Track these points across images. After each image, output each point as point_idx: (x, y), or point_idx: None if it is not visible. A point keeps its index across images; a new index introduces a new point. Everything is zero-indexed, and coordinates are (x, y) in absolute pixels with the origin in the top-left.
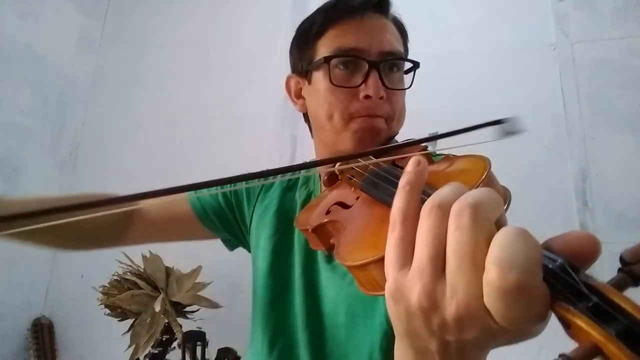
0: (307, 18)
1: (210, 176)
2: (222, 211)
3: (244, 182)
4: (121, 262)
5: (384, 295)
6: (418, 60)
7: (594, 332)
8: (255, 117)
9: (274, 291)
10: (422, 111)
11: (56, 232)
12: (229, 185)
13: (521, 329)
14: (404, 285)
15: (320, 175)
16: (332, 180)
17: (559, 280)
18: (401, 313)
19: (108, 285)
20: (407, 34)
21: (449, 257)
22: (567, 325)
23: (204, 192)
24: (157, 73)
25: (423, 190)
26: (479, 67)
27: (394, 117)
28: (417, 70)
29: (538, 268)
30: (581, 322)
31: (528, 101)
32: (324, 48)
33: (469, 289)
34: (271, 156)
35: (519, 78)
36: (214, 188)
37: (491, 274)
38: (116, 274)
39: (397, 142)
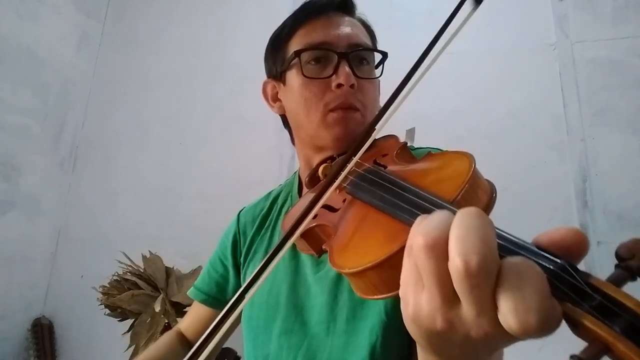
0: (279, 25)
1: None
2: (225, 282)
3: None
4: (121, 262)
5: (383, 298)
6: (386, 51)
7: (602, 332)
8: (255, 117)
9: (263, 317)
10: (422, 111)
11: None
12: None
13: (539, 334)
14: (425, 312)
15: (299, 178)
16: (313, 182)
17: (562, 281)
18: (423, 333)
19: (108, 285)
20: (374, 34)
21: (465, 305)
22: (573, 325)
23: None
24: (157, 73)
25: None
26: (479, 67)
27: (368, 107)
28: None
29: (549, 299)
30: (588, 322)
31: (528, 101)
32: (294, 47)
33: (492, 322)
34: (271, 156)
35: (519, 78)
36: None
37: (511, 323)
38: (116, 274)
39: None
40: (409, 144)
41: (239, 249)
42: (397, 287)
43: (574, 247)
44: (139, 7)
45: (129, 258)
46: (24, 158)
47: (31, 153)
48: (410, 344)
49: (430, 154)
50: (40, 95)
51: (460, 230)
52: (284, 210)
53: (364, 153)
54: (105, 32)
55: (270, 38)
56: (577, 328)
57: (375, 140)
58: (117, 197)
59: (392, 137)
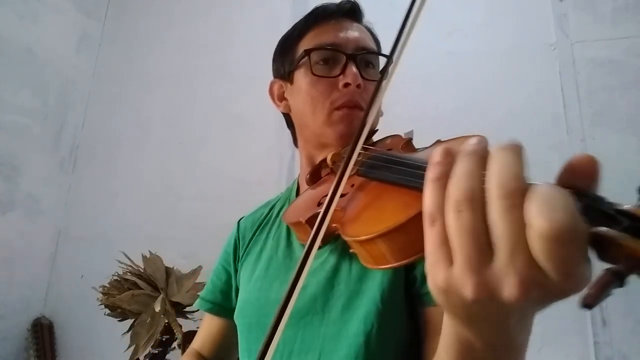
0: (289, 29)
1: (210, 176)
2: (229, 289)
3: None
4: (121, 262)
5: (389, 268)
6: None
7: (634, 245)
8: (255, 117)
9: (255, 313)
10: (421, 110)
11: None
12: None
13: (575, 278)
14: (456, 283)
15: (297, 184)
16: (315, 177)
17: (592, 210)
18: (457, 305)
19: (108, 285)
20: (379, 42)
21: (497, 233)
22: (605, 248)
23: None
24: (157, 73)
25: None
26: (479, 67)
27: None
28: (416, 70)
29: (574, 207)
30: (621, 240)
31: (528, 101)
32: (304, 47)
33: (523, 264)
34: (271, 156)
35: (519, 78)
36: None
37: (538, 226)
38: (116, 274)
39: (372, 140)
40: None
41: (238, 253)
42: (410, 254)
43: (591, 172)
44: (139, 7)
45: (129, 258)
46: (24, 158)
47: (31, 153)
48: (413, 329)
49: (439, 140)
50: (40, 95)
51: (500, 165)
52: (281, 213)
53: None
54: (105, 32)
55: (280, 40)
56: (610, 249)
57: (379, 140)
58: (117, 197)
59: (396, 136)
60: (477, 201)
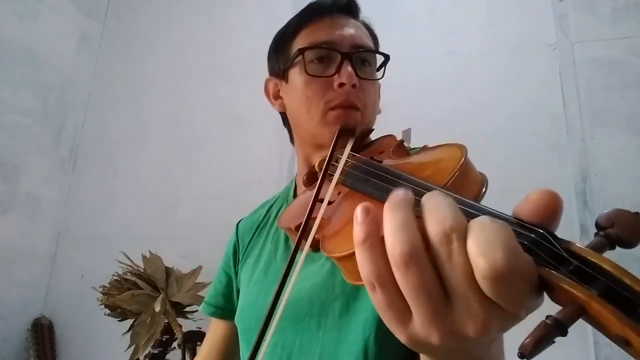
0: (284, 25)
1: (210, 176)
2: (229, 292)
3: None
4: (121, 262)
5: None
6: (388, 54)
7: (578, 292)
8: (255, 117)
9: (254, 317)
10: (422, 110)
11: None
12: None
13: (530, 308)
14: (421, 335)
15: (295, 183)
16: (311, 179)
17: (541, 248)
18: (428, 350)
19: (108, 285)
20: (377, 37)
21: (449, 279)
22: (550, 290)
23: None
24: (157, 73)
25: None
26: (479, 67)
27: (368, 107)
28: (416, 70)
29: (514, 240)
30: (565, 284)
31: (528, 101)
32: (298, 45)
33: (480, 305)
34: (271, 156)
35: (519, 78)
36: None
37: (480, 268)
38: (116, 274)
39: (370, 138)
40: (405, 144)
41: (237, 256)
42: None
43: (547, 209)
44: (138, 7)
45: (129, 258)
46: (24, 158)
47: (31, 153)
48: None
49: (425, 147)
50: (40, 95)
51: (426, 206)
52: (279, 215)
53: (361, 151)
54: (105, 32)
55: (275, 37)
56: (554, 292)
57: (375, 140)
58: (117, 197)
59: (389, 136)
60: (420, 252)
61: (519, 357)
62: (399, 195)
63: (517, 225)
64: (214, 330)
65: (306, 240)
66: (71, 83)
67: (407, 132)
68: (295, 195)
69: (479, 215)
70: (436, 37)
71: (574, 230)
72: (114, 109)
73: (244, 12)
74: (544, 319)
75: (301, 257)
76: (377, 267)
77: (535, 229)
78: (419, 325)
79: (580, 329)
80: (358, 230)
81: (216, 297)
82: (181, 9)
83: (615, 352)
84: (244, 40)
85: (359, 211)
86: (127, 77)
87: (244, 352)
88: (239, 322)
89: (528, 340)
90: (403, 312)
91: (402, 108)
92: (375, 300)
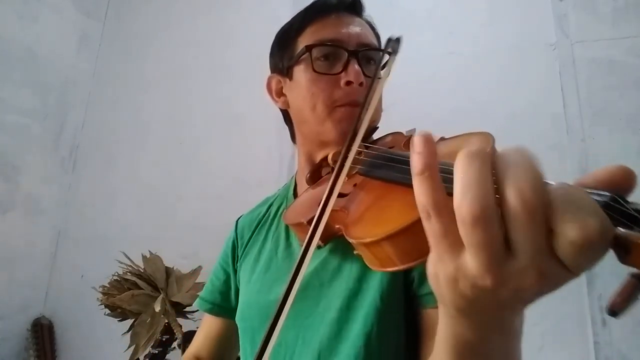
0: (287, 22)
1: (210, 176)
2: (227, 289)
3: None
4: (121, 262)
5: (396, 270)
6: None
7: None
8: (255, 117)
9: (257, 316)
10: (422, 110)
11: None
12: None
13: (587, 270)
14: (470, 274)
15: (295, 182)
16: (314, 177)
17: (613, 210)
18: (468, 295)
19: (108, 285)
20: (379, 36)
21: (518, 242)
22: (626, 250)
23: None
24: (157, 73)
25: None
26: (480, 67)
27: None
28: (416, 70)
29: (599, 206)
30: None
31: (528, 101)
32: (304, 42)
33: (545, 262)
34: (271, 156)
35: (519, 78)
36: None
37: (570, 235)
38: (116, 274)
39: (372, 137)
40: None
41: (236, 253)
42: (414, 257)
43: (622, 182)
44: (138, 7)
45: (129, 258)
46: (24, 158)
47: (31, 153)
48: (410, 332)
49: (443, 138)
50: (40, 95)
51: (508, 166)
52: (279, 212)
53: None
54: (105, 32)
55: (278, 33)
56: (632, 252)
57: (379, 138)
58: (117, 197)
59: (397, 133)
60: (491, 215)
61: (611, 314)
62: (475, 146)
63: (585, 190)
64: (209, 324)
65: (316, 233)
66: (71, 83)
67: (411, 132)
68: (295, 193)
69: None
70: (436, 37)
71: None
72: (114, 109)
73: (244, 12)
74: (628, 276)
75: (310, 252)
76: (434, 197)
77: (606, 192)
78: (473, 267)
79: (581, 329)
80: (416, 159)
81: (213, 294)
82: (181, 9)
83: (616, 352)
84: (244, 40)
85: (417, 140)
86: (127, 77)
87: (247, 351)
88: (241, 322)
89: (618, 297)
90: (457, 245)
91: (402, 108)
92: (429, 228)
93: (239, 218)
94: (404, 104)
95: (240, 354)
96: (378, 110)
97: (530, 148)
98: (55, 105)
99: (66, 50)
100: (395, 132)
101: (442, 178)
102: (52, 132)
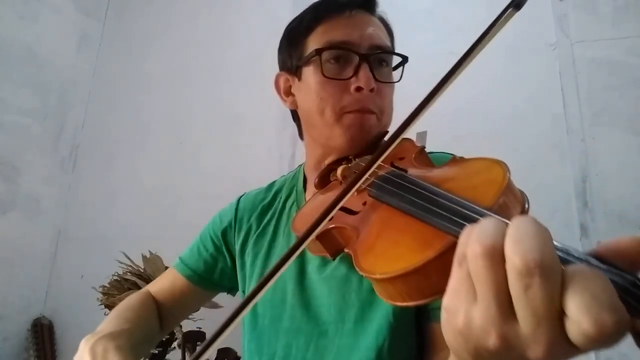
0: (296, 17)
1: (210, 176)
2: (214, 262)
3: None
4: (121, 262)
5: (406, 306)
6: (407, 55)
7: None
8: (255, 117)
9: (269, 315)
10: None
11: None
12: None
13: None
14: (477, 325)
15: (304, 179)
16: (323, 183)
17: (632, 295)
18: (472, 349)
19: (108, 285)
20: (393, 34)
21: (523, 313)
22: None
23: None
24: (157, 73)
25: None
26: (479, 67)
27: (384, 111)
28: (416, 70)
29: (617, 297)
30: None
31: (528, 101)
32: (314, 43)
33: (553, 337)
34: (271, 156)
35: (519, 78)
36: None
37: (585, 327)
38: (116, 274)
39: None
40: (418, 144)
41: (234, 233)
42: (427, 295)
43: (638, 257)
44: (138, 7)
45: (129, 258)
46: (24, 158)
47: (31, 153)
48: (420, 348)
49: (455, 159)
50: (40, 95)
51: (518, 234)
52: (288, 203)
53: None
54: (105, 32)
55: (286, 30)
56: None
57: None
58: (117, 197)
59: (406, 140)
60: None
61: None
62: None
63: (607, 270)
64: (174, 280)
65: (305, 242)
66: (71, 83)
67: (422, 135)
68: (304, 187)
69: (566, 257)
70: (436, 37)
71: (574, 230)
72: (114, 109)
73: (244, 12)
74: None
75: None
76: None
77: (624, 273)
78: (479, 318)
79: None
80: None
81: (198, 263)
82: (181, 9)
83: (616, 352)
84: (244, 40)
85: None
86: (127, 77)
87: (252, 350)
88: (252, 318)
89: None
90: (470, 296)
91: (403, 108)
92: (455, 276)
93: (241, 196)
94: (404, 104)
95: (245, 351)
96: (389, 115)
97: (530, 148)
98: (55, 105)
99: (66, 50)
100: (406, 139)
101: None
102: (52, 132)
